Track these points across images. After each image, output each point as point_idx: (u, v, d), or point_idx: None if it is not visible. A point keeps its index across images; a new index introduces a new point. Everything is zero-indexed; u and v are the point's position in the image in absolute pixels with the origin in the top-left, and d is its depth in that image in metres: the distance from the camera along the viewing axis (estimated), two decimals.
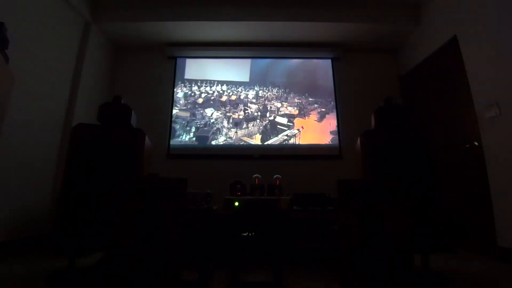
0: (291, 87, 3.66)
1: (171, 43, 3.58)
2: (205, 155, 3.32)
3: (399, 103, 3.13)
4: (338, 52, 3.60)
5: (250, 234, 1.87)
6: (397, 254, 1.20)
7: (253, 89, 3.64)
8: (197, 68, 3.71)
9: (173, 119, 3.46)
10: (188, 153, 3.32)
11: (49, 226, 2.42)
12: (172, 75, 3.63)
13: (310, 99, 3.60)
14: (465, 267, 1.82)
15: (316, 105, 3.57)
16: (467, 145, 2.35)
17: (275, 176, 2.48)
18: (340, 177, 1.31)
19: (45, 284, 1.43)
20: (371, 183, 1.28)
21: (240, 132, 3.43)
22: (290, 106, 3.57)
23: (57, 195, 2.39)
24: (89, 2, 3.05)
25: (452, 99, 2.60)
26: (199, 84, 3.65)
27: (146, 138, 1.77)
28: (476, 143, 2.26)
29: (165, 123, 3.42)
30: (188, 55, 3.70)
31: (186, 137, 3.41)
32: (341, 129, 3.41)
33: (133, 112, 1.83)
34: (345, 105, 3.51)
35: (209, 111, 3.53)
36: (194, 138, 3.40)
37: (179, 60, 3.70)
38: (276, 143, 3.38)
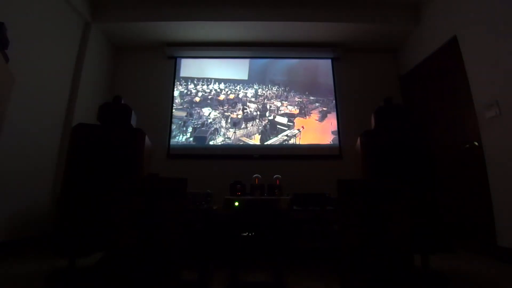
0: (291, 85, 3.61)
1: (170, 43, 3.57)
2: (205, 155, 3.31)
3: (399, 103, 3.13)
4: (338, 52, 3.59)
5: (250, 234, 1.87)
6: (397, 254, 1.20)
7: (252, 87, 3.60)
8: (193, 66, 3.66)
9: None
10: (188, 153, 3.31)
11: (49, 226, 2.42)
12: (172, 75, 3.62)
13: (311, 97, 3.56)
14: (465, 267, 1.82)
15: (317, 104, 3.53)
16: (467, 145, 2.35)
17: (275, 176, 2.48)
18: (340, 177, 1.31)
19: (45, 284, 1.43)
20: (371, 183, 1.28)
21: (239, 132, 3.40)
22: (290, 105, 3.53)
23: (57, 195, 2.38)
24: (89, 2, 3.05)
25: (452, 99, 2.60)
26: (195, 82, 3.60)
27: (146, 138, 1.77)
28: (476, 143, 2.26)
29: (165, 123, 3.42)
30: (188, 55, 3.67)
31: (182, 138, 3.36)
32: (341, 129, 3.40)
33: (133, 112, 1.83)
34: (345, 105, 3.51)
35: (206, 111, 3.48)
36: (191, 139, 3.36)
37: (178, 60, 3.68)
38: (276, 144, 3.36)
